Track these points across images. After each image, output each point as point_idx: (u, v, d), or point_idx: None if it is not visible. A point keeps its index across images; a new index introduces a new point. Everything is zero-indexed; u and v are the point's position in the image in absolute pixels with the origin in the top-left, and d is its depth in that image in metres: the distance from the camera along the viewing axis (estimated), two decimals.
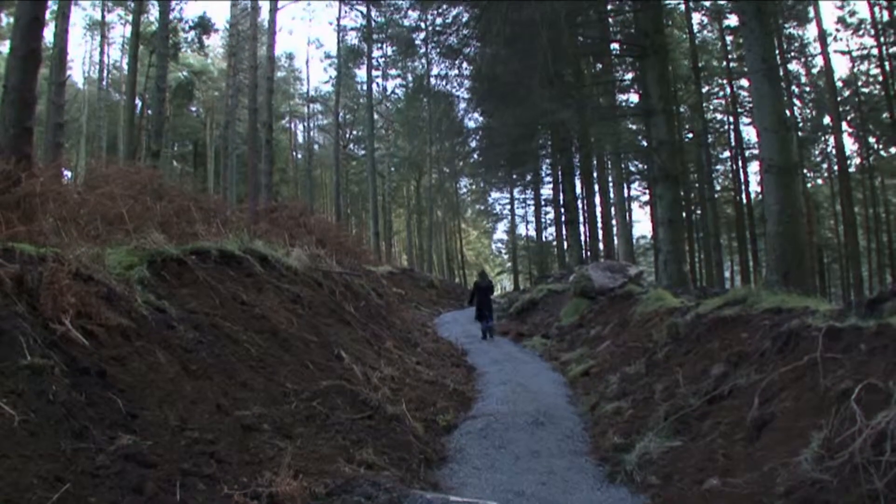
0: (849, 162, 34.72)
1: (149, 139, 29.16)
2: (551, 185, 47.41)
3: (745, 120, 37.20)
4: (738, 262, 39.31)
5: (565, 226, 40.75)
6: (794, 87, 35.92)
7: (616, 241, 41.83)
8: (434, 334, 19.09)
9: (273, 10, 30.61)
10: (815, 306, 7.64)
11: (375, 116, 47.62)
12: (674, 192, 20.31)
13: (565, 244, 41.78)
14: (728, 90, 37.40)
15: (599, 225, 38.32)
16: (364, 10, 43.35)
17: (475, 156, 48.31)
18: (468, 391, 11.18)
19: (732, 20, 32.62)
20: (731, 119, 38.20)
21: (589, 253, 36.68)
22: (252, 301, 8.56)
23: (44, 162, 14.13)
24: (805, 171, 37.36)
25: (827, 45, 31.06)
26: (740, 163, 37.70)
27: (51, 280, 5.45)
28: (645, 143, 33.19)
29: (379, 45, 47.57)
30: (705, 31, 39.03)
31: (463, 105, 41.45)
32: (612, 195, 39.62)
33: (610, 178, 40.23)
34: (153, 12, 34.82)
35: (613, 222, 40.11)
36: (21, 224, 7.63)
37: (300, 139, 68.58)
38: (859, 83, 35.81)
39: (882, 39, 30.75)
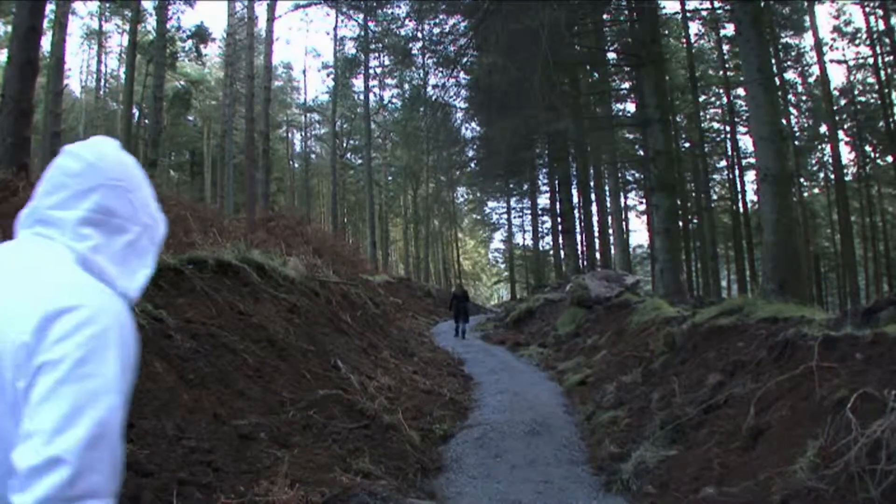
0: (845, 171, 34.89)
1: (146, 148, 29.15)
2: (548, 195, 47.46)
3: (742, 129, 37.37)
4: (734, 272, 39.33)
5: (562, 235, 40.82)
6: (790, 97, 36.08)
7: (613, 251, 41.84)
8: (431, 343, 19.11)
9: (270, 20, 30.70)
10: (812, 315, 7.65)
11: (372, 126, 47.61)
12: (671, 202, 20.31)
13: (562, 253, 41.82)
14: (725, 99, 37.53)
15: (596, 234, 38.31)
16: (361, 19, 43.44)
17: (472, 165, 48.40)
18: (465, 400, 11.18)
19: (729, 30, 32.70)
20: (728, 128, 38.28)
21: (586, 262, 36.70)
22: (249, 310, 8.56)
23: (41, 171, 14.15)
24: (802, 180, 37.46)
25: (823, 54, 31.30)
26: (737, 172, 37.76)
27: None
28: (642, 153, 33.28)
29: (376, 54, 47.67)
30: (702, 41, 39.22)
31: (460, 114, 41.48)
32: (608, 204, 39.59)
33: (607, 188, 40.24)
34: (151, 22, 34.89)
35: (610, 231, 40.07)
36: None
37: (297, 149, 68.59)
38: (855, 92, 35.98)
39: (878, 48, 30.88)
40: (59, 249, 1.46)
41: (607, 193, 40.10)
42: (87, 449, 1.18)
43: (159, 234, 1.68)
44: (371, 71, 47.67)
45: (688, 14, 32.80)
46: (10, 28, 18.93)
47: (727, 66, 35.56)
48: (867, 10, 29.96)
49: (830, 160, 35.39)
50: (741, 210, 37.03)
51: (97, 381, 1.25)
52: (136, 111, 36.26)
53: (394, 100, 55.21)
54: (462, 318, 22.55)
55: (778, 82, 28.93)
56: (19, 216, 1.55)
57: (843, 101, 36.01)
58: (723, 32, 35.18)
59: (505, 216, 59.08)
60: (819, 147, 39.90)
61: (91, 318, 1.29)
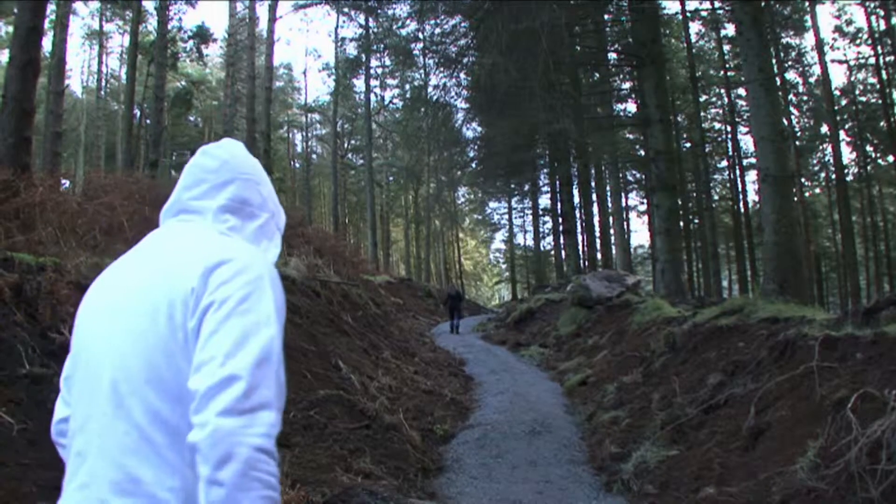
0: (846, 171, 34.82)
1: (147, 149, 29.17)
2: (549, 195, 47.37)
3: (743, 129, 37.29)
4: (735, 272, 39.25)
5: (563, 235, 40.70)
6: (791, 97, 35.98)
7: (614, 251, 41.81)
8: (432, 344, 19.11)
9: (271, 21, 30.71)
10: (812, 315, 7.65)
11: (373, 126, 47.53)
12: (671, 202, 20.30)
13: (563, 254, 41.70)
14: (726, 99, 37.41)
15: (597, 234, 38.20)
16: (362, 20, 43.40)
17: (473, 165, 48.28)
18: (466, 401, 11.17)
19: (730, 30, 32.67)
20: (729, 128, 38.18)
21: (587, 262, 36.61)
22: None
23: (42, 171, 14.14)
24: (803, 180, 37.40)
25: (824, 54, 31.16)
26: (738, 172, 37.67)
27: (50, 289, 5.45)
28: (643, 153, 33.23)
29: (377, 55, 47.59)
30: (703, 41, 39.15)
31: (461, 115, 41.32)
32: (609, 205, 39.58)
33: (608, 188, 40.22)
34: (152, 22, 34.78)
35: (611, 232, 40.05)
36: (20, 234, 7.63)
37: (298, 149, 68.55)
38: (856, 92, 35.92)
39: (879, 48, 30.83)
40: (206, 225, 1.73)
41: (608, 193, 40.08)
42: (256, 367, 1.38)
43: (282, 221, 1.94)
44: (372, 71, 47.61)
45: (688, 14, 32.74)
46: (11, 28, 18.93)
47: (728, 65, 35.48)
48: (868, 10, 29.92)
49: (831, 160, 35.37)
50: (742, 210, 36.94)
51: (257, 315, 1.46)
52: (137, 111, 36.13)
53: (395, 100, 55.06)
54: (456, 315, 24.88)
55: (779, 82, 28.85)
56: (162, 210, 1.84)
57: (844, 101, 35.91)
58: (723, 32, 35.10)
59: (506, 216, 59.20)
60: (820, 147, 39.83)
61: (246, 267, 1.53)
